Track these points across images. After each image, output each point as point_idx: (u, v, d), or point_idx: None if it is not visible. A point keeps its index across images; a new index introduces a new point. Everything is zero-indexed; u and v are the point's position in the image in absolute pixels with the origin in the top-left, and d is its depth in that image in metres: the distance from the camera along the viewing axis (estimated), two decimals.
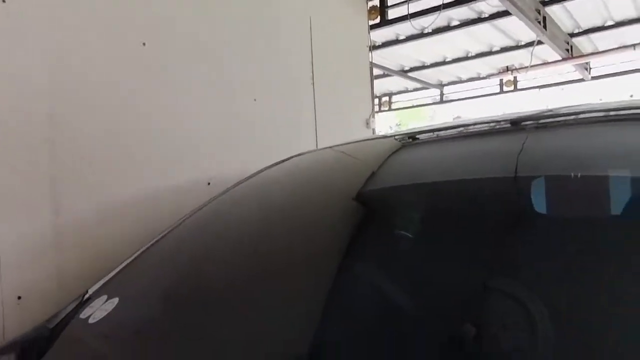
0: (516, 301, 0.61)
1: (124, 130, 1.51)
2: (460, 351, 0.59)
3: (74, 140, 1.38)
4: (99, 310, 0.97)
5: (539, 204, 0.85)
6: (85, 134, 1.40)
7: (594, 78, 5.25)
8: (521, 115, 1.11)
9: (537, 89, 5.54)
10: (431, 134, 1.28)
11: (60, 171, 1.34)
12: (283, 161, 1.36)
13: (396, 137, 1.28)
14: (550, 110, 1.10)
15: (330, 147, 1.32)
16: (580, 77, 5.27)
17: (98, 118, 1.44)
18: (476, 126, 1.19)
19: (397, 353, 0.62)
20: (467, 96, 5.97)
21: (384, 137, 1.43)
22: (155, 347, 0.81)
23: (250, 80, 1.97)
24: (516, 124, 1.05)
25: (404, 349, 0.63)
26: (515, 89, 5.54)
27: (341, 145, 1.30)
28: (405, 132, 1.39)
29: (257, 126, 1.98)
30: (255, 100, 1.98)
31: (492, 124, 1.16)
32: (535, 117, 1.05)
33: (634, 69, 4.99)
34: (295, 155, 1.37)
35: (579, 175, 0.83)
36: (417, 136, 1.26)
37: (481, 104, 5.91)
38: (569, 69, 5.12)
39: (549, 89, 5.57)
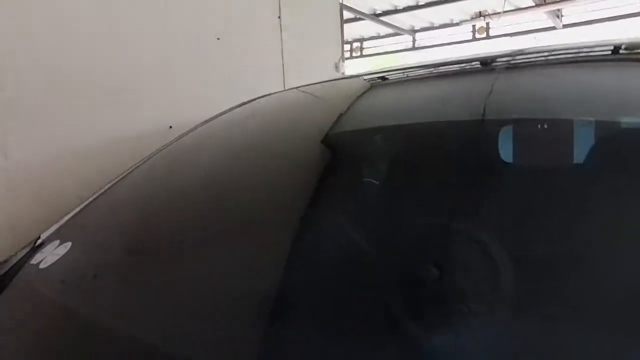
0: (480, 244, 0.61)
1: (76, 73, 1.43)
2: (424, 293, 0.59)
3: (23, 84, 1.30)
4: (51, 255, 0.93)
5: (507, 148, 0.84)
6: (35, 78, 1.33)
7: (565, 26, 5.26)
8: (496, 54, 1.08)
9: (510, 37, 5.53)
10: (402, 74, 1.24)
11: (9, 116, 1.27)
12: (249, 102, 1.31)
13: (365, 77, 1.24)
14: (526, 50, 1.07)
15: (297, 87, 1.27)
16: (552, 25, 5.26)
17: (48, 62, 1.36)
18: (448, 66, 1.16)
19: (363, 295, 0.62)
20: (440, 43, 5.92)
21: (354, 77, 1.39)
22: (112, 292, 0.78)
23: (213, 18, 1.87)
24: (490, 64, 1.02)
25: (368, 291, 0.63)
26: (488, 37, 5.51)
27: (309, 85, 1.25)
28: (375, 72, 1.35)
29: (220, 66, 1.90)
30: (218, 39, 1.89)
31: (465, 64, 1.12)
32: (510, 55, 1.03)
33: (605, 17, 5.01)
34: (261, 96, 1.32)
35: (547, 119, 0.83)
36: (387, 76, 1.22)
37: (453, 52, 5.87)
38: (541, 17, 5.10)
39: (522, 37, 5.56)
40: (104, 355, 0.63)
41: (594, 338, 0.48)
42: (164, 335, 0.61)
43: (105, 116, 1.52)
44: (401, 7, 5.04)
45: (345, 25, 3.08)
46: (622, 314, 0.49)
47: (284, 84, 2.23)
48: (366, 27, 5.75)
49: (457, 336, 0.54)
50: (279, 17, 2.20)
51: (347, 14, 4.41)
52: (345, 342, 0.56)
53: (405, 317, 0.57)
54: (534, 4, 4.39)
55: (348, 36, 5.89)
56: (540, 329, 0.51)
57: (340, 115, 1.02)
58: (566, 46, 1.07)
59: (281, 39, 2.21)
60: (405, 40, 6.11)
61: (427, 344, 0.54)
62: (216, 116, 1.28)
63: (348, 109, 1.04)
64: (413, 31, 5.87)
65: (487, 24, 5.34)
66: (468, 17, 5.24)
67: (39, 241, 1.01)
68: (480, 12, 5.03)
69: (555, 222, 0.63)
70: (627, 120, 0.80)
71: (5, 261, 0.99)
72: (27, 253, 0.98)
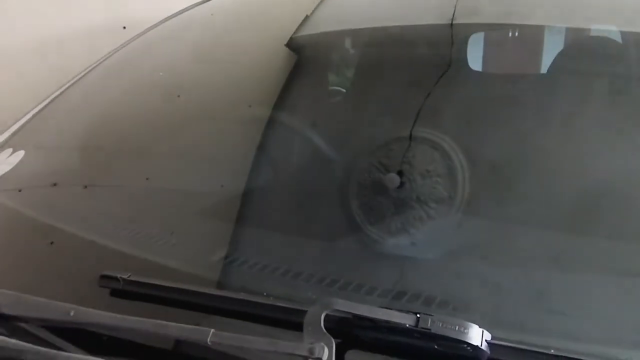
0: (439, 150, 0.62)
1: None
2: (384, 198, 0.60)
3: None
4: (4, 164, 0.90)
5: (471, 53, 0.84)
6: None
7: None
8: None
9: None
10: None
11: None
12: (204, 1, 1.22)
13: None
14: None
15: None
16: None
17: None
18: None
19: (323, 199, 0.64)
20: None
21: None
22: (72, 198, 0.76)
23: None
24: None
25: (330, 195, 0.64)
26: None
27: None
28: None
29: None
30: None
31: None
32: None
33: None
34: None
35: (511, 25, 0.81)
36: None
37: None
38: None
39: None
40: (66, 260, 0.63)
41: (543, 235, 0.51)
42: (128, 236, 0.61)
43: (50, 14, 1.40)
44: None
45: None
46: (568, 213, 0.52)
47: None
48: None
49: (415, 237, 0.56)
50: None
51: None
52: (308, 243, 0.57)
53: (365, 220, 0.59)
54: None
55: None
56: (493, 228, 0.53)
57: (306, 18, 0.97)
58: None
59: None
60: None
61: (386, 244, 0.56)
62: (178, 13, 1.19)
63: (314, 11, 0.99)
64: None
65: None
66: None
67: None
68: None
69: (511, 127, 0.64)
70: (594, 27, 0.80)
71: None
72: None
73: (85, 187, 0.80)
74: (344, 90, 0.97)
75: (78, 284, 0.57)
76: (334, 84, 1.00)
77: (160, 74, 0.93)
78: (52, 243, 0.68)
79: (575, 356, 0.36)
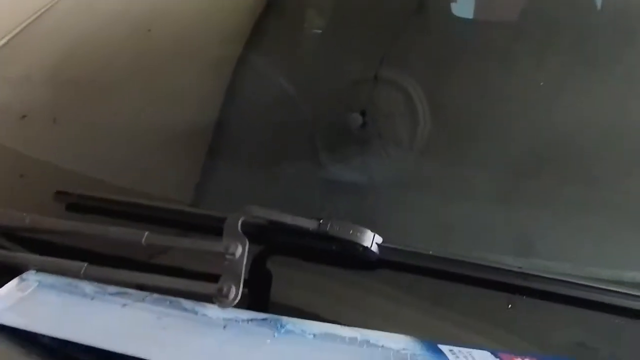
0: (403, 92, 0.65)
1: None
2: (347, 137, 0.64)
3: None
4: None
5: None
6: None
7: None
8: None
9: None
10: None
11: None
12: None
13: None
14: None
15: None
16: None
17: None
18: None
19: (290, 136, 0.67)
20: None
21: None
22: (40, 129, 0.79)
23: None
24: None
25: (296, 132, 0.67)
26: None
27: None
28: None
29: None
30: None
31: None
32: None
33: None
34: None
35: None
36: None
37: None
38: None
39: None
40: (35, 193, 0.66)
41: (493, 175, 0.55)
42: (97, 167, 0.64)
43: None
44: None
45: None
46: (519, 156, 0.56)
47: None
48: None
49: (373, 173, 0.60)
50: None
51: None
52: (272, 174, 0.61)
53: (328, 155, 0.62)
54: None
55: None
56: (451, 169, 0.57)
57: None
58: None
59: None
60: None
61: (345, 178, 0.60)
62: None
63: None
64: None
65: None
66: None
67: None
68: None
69: (475, 73, 0.67)
70: None
71: None
72: None
73: (54, 120, 0.82)
74: (315, 31, 0.99)
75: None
76: (305, 25, 1.02)
77: (131, 7, 0.94)
78: (21, 176, 0.72)
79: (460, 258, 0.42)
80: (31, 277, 0.49)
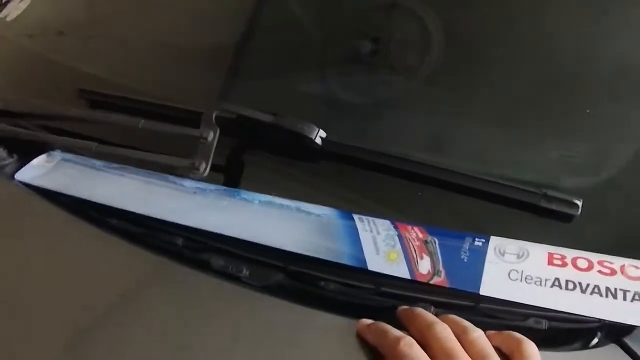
0: (418, 20, 0.66)
1: None
2: (357, 62, 0.67)
3: None
4: (15, 9, 1.02)
5: None
6: None
7: None
8: None
9: None
10: None
11: None
12: None
13: None
14: None
15: None
16: None
17: None
18: None
19: (302, 61, 0.70)
20: None
21: None
22: (76, 46, 0.89)
23: None
24: None
25: (311, 55, 0.70)
26: None
27: None
28: None
29: None
30: None
31: None
32: None
33: None
34: None
35: None
36: None
37: None
38: None
39: None
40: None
41: (497, 99, 0.58)
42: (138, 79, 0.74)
43: None
44: None
45: None
46: (527, 85, 0.57)
47: None
48: None
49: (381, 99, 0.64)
50: None
51: None
52: (285, 93, 0.66)
53: (338, 80, 0.66)
54: None
55: None
56: (464, 100, 0.59)
57: None
58: None
59: None
60: None
61: (352, 101, 0.64)
62: None
63: None
64: None
65: None
66: None
67: None
68: None
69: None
70: None
71: None
72: None
73: (90, 37, 0.92)
74: None
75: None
76: None
77: None
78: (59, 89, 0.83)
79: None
80: (56, 154, 0.63)
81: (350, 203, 0.51)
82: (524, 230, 0.47)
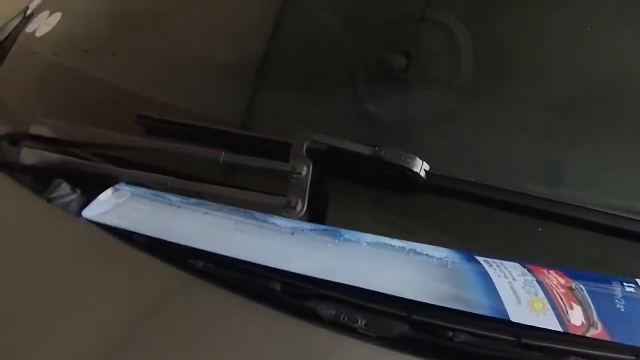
0: (447, 32, 0.65)
1: None
2: (389, 77, 0.65)
3: None
4: (44, 25, 0.99)
5: None
6: None
7: None
8: None
9: None
10: None
11: None
12: None
13: None
14: None
15: None
16: None
17: None
18: None
19: (334, 72, 0.69)
20: None
21: None
22: (105, 61, 0.86)
23: None
24: None
25: (340, 68, 0.69)
26: None
27: None
28: None
29: None
30: None
31: None
32: None
33: None
34: None
35: None
36: None
37: None
38: None
39: None
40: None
41: (534, 115, 0.56)
42: (155, 89, 0.71)
43: None
44: None
45: None
46: (566, 99, 0.56)
47: None
48: None
49: (415, 113, 0.62)
50: None
51: None
52: (316, 109, 0.64)
53: (369, 95, 0.64)
54: None
55: None
56: (489, 108, 0.58)
57: None
58: None
59: None
60: None
61: (385, 117, 0.62)
62: None
63: None
64: None
65: None
66: None
67: (29, 11, 1.05)
68: None
69: (521, 11, 0.64)
70: None
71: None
72: (19, 23, 1.03)
73: (114, 54, 0.89)
74: None
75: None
76: None
77: None
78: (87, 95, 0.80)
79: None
80: (124, 188, 0.58)
81: (463, 241, 0.47)
82: None
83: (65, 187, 0.58)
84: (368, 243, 0.47)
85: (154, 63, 0.81)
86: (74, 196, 0.58)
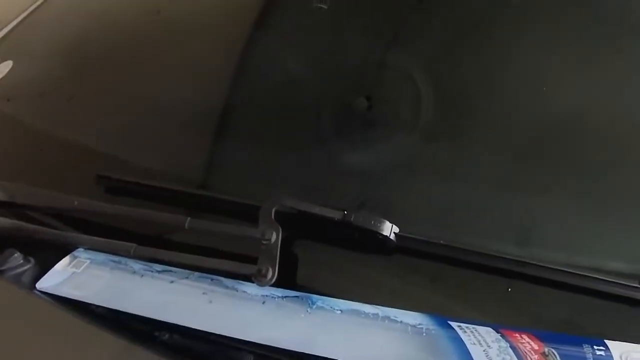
0: (408, 76, 0.67)
1: None
2: (353, 122, 0.66)
3: None
4: None
5: None
6: None
7: None
8: None
9: None
10: None
11: None
12: None
13: None
14: None
15: None
16: None
17: None
18: None
19: (297, 117, 0.70)
20: None
21: None
22: (61, 106, 0.83)
23: None
24: None
25: (303, 113, 0.70)
26: None
27: None
28: None
29: None
30: None
31: None
32: None
33: None
34: None
35: None
36: None
37: None
38: None
39: None
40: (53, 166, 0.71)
41: (495, 159, 0.58)
42: (113, 143, 0.69)
43: None
44: None
45: None
46: (522, 140, 0.59)
47: None
48: None
49: (378, 157, 0.63)
50: None
51: None
52: (280, 155, 0.65)
53: (334, 138, 0.65)
54: None
55: None
56: (450, 151, 0.60)
57: None
58: None
59: None
60: None
61: (351, 162, 0.63)
62: None
63: None
64: None
65: None
66: None
67: None
68: None
69: (480, 57, 0.68)
70: None
71: None
72: None
73: (71, 97, 0.86)
74: (324, 9, 0.99)
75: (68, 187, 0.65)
76: (315, 2, 1.03)
77: None
78: (41, 150, 0.76)
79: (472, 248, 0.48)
80: (82, 255, 0.55)
81: (436, 306, 0.47)
82: (622, 327, 0.45)
83: (17, 258, 0.54)
84: (342, 311, 0.46)
85: (112, 113, 0.79)
86: (27, 266, 0.54)
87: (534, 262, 0.47)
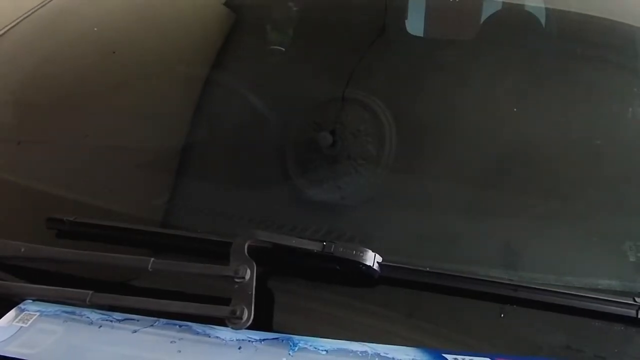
0: (369, 110, 0.68)
1: None
2: (317, 155, 0.66)
3: None
4: None
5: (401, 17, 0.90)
6: None
7: None
8: None
9: None
10: None
11: None
12: None
13: None
14: None
15: None
16: None
17: None
18: None
19: (260, 155, 0.68)
20: None
21: None
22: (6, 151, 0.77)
23: None
24: None
25: (267, 151, 0.69)
26: None
27: None
28: None
29: None
30: None
31: None
32: None
33: None
34: None
35: None
36: None
37: None
38: None
39: None
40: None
41: (458, 187, 0.59)
42: (66, 185, 0.64)
43: None
44: None
45: None
46: (482, 168, 0.61)
47: None
48: None
49: (344, 190, 0.62)
50: None
51: None
52: (245, 194, 0.63)
53: (299, 174, 0.64)
54: None
55: None
56: (418, 183, 0.61)
57: None
58: None
59: None
60: None
61: (317, 196, 0.62)
62: None
63: None
64: None
65: None
66: None
67: None
68: None
69: (437, 91, 0.71)
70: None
71: None
72: None
73: (19, 143, 0.81)
74: (282, 50, 1.01)
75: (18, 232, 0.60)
76: (271, 44, 1.04)
77: (95, 29, 0.93)
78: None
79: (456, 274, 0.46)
80: (30, 307, 0.49)
81: (428, 337, 0.44)
82: (621, 348, 0.43)
83: None
84: (327, 351, 0.42)
85: (65, 155, 0.74)
86: None
87: (526, 285, 0.44)
